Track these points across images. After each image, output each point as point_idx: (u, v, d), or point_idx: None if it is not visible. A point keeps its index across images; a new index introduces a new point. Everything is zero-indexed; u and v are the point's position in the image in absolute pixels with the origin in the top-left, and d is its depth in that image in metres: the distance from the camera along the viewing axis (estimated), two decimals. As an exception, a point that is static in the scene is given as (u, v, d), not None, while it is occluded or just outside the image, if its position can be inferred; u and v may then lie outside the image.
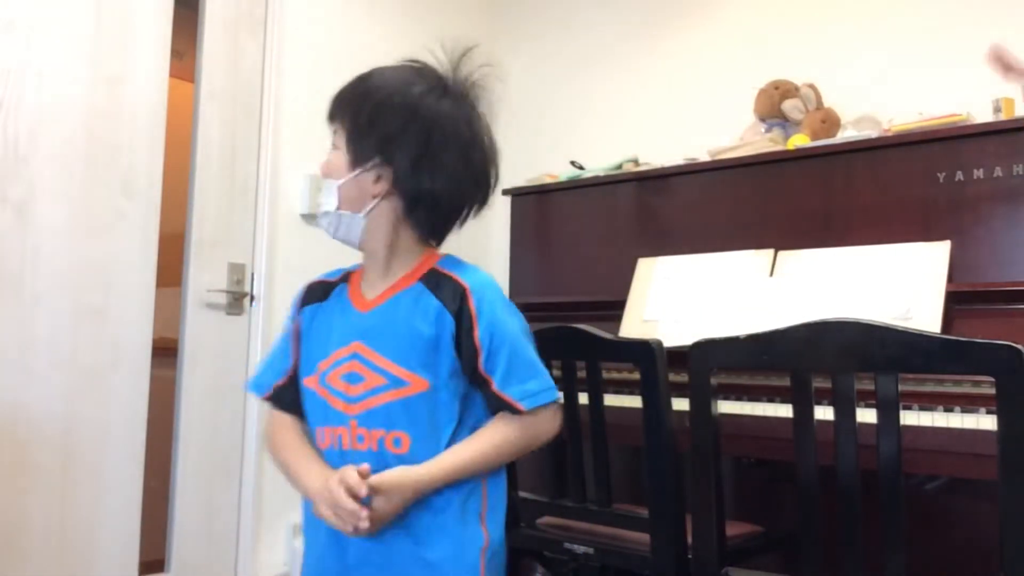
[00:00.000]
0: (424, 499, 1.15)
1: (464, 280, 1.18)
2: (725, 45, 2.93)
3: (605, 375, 1.80)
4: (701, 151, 2.62)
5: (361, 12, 3.09)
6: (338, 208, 1.20)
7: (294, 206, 2.85)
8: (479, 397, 1.19)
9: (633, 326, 2.33)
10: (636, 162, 2.74)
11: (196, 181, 2.60)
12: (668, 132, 2.94)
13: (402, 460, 1.14)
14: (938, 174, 2.07)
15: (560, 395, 1.23)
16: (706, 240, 2.37)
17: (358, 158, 1.19)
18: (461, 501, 1.17)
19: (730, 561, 1.47)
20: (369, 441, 1.14)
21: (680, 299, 2.29)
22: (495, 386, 1.16)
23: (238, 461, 2.66)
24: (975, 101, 2.20)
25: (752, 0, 2.90)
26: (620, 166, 2.74)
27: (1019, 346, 1.14)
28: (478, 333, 1.15)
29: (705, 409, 1.42)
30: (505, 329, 1.17)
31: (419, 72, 1.24)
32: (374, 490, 1.10)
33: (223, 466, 2.62)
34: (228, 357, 2.65)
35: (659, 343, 1.61)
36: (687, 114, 2.96)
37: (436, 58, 1.25)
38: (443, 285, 1.18)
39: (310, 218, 2.88)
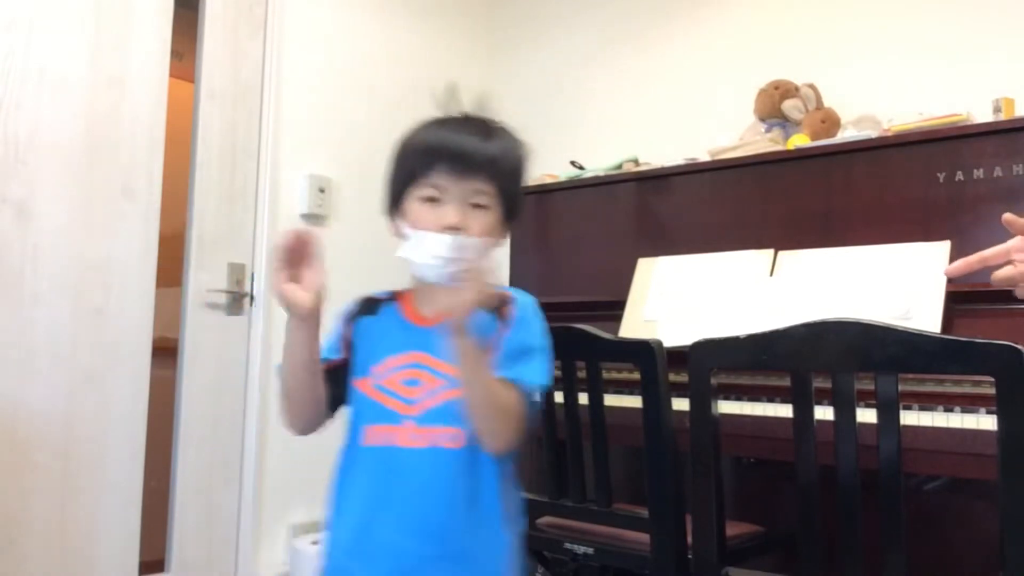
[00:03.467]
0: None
1: (512, 294, 1.29)
2: (725, 45, 2.93)
3: (605, 375, 1.80)
4: (701, 151, 2.62)
5: (361, 12, 3.09)
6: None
7: (294, 206, 2.85)
8: None
9: (633, 326, 2.33)
10: (636, 162, 2.74)
11: (196, 181, 2.60)
12: (668, 132, 2.94)
13: (456, 455, 1.20)
14: (938, 174, 2.06)
15: (538, 400, 1.26)
16: (706, 240, 2.37)
17: (506, 218, 1.29)
18: (502, 511, 1.24)
19: (730, 561, 1.47)
20: (426, 439, 1.21)
21: (680, 299, 2.29)
22: (501, 365, 1.21)
23: (238, 461, 2.67)
24: (975, 101, 2.20)
25: (752, 0, 2.90)
26: (620, 166, 2.74)
27: (1019, 346, 1.14)
28: (506, 333, 1.24)
29: (705, 409, 1.42)
30: (533, 331, 1.26)
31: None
32: None
33: (223, 466, 2.63)
34: (228, 357, 2.65)
35: (659, 343, 1.61)
36: (687, 114, 2.96)
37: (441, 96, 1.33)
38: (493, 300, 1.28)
39: (310, 218, 2.88)
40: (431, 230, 1.22)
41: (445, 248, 1.20)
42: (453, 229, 1.21)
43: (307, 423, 1.33)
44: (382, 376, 1.26)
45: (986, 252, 1.14)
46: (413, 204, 1.27)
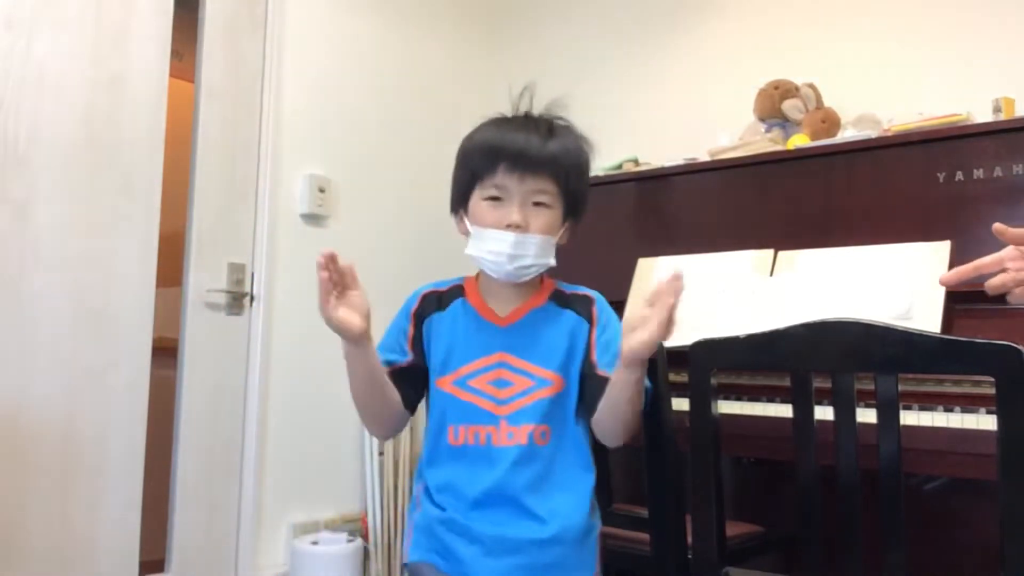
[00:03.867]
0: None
1: (590, 294, 1.39)
2: (725, 45, 2.93)
3: (605, 375, 1.79)
4: (701, 151, 2.62)
5: (361, 12, 3.09)
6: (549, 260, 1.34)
7: (294, 206, 2.85)
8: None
9: (633, 326, 2.32)
10: (636, 162, 2.74)
11: (196, 181, 2.60)
12: (668, 132, 2.94)
13: (545, 450, 1.28)
14: (938, 174, 2.06)
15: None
16: (706, 240, 2.37)
17: (566, 215, 1.35)
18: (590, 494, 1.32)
19: (730, 561, 1.47)
20: (519, 436, 1.28)
21: (680, 299, 2.29)
22: (604, 370, 1.28)
23: (238, 461, 2.67)
24: (975, 101, 2.20)
25: (752, 0, 2.90)
26: (620, 166, 2.74)
27: (1019, 346, 1.14)
28: (595, 332, 1.33)
29: (705, 409, 1.42)
30: (619, 337, 1.28)
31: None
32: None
33: (223, 466, 2.62)
34: (228, 357, 2.65)
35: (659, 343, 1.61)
36: (687, 114, 2.96)
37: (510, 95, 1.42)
38: (573, 301, 1.37)
39: (310, 218, 2.88)
40: (494, 228, 1.28)
41: (506, 245, 1.27)
42: (515, 227, 1.27)
43: (388, 428, 1.37)
44: (470, 376, 1.32)
45: (980, 260, 1.17)
46: (477, 203, 1.31)
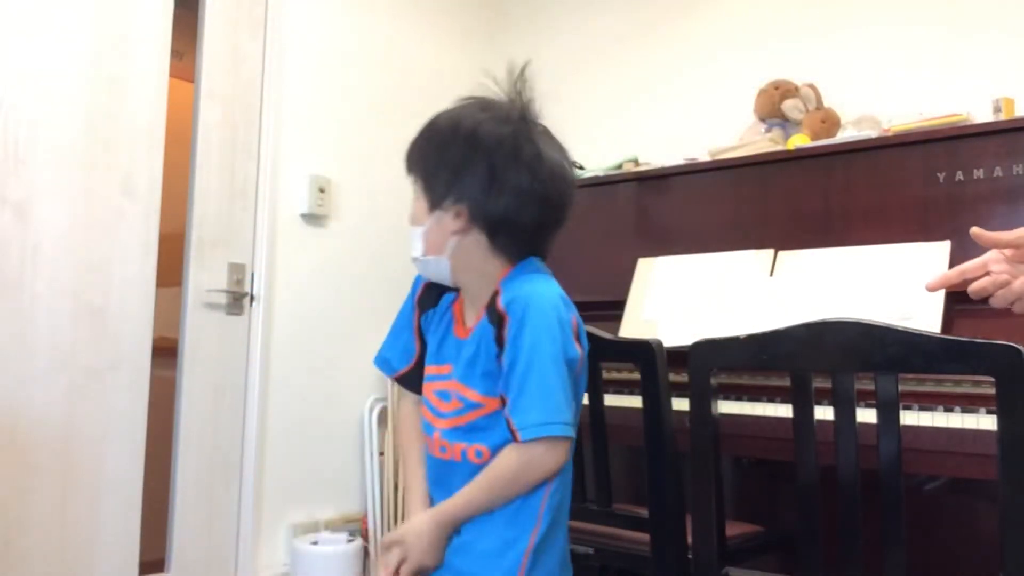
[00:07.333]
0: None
1: (505, 293, 1.21)
2: (725, 45, 2.93)
3: (605, 375, 1.80)
4: (701, 151, 2.62)
5: (361, 11, 3.09)
6: (424, 254, 1.26)
7: (294, 206, 2.85)
8: None
9: (633, 326, 2.33)
10: (636, 162, 2.74)
11: (196, 181, 2.60)
12: (668, 132, 2.94)
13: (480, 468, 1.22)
14: (938, 174, 2.06)
15: (569, 431, 1.20)
16: (706, 240, 2.37)
17: (434, 201, 1.24)
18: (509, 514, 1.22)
19: (730, 561, 1.47)
20: (452, 452, 1.24)
21: (680, 299, 2.29)
22: (506, 408, 1.19)
23: (238, 461, 2.67)
24: (975, 101, 2.20)
25: (752, 0, 2.90)
26: (620, 166, 2.74)
27: (1019, 346, 1.14)
28: (505, 349, 1.19)
29: (705, 409, 1.42)
30: (526, 345, 1.17)
31: (479, 104, 1.29)
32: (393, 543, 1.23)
33: (223, 466, 2.63)
34: (228, 357, 2.65)
35: (659, 343, 1.61)
36: (687, 114, 2.96)
37: (494, 84, 1.33)
38: (492, 303, 1.22)
39: (310, 218, 2.88)
40: None
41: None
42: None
43: None
44: (427, 380, 1.31)
45: (965, 265, 1.18)
46: None
